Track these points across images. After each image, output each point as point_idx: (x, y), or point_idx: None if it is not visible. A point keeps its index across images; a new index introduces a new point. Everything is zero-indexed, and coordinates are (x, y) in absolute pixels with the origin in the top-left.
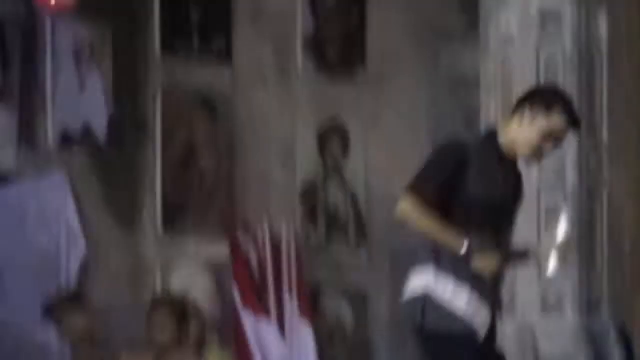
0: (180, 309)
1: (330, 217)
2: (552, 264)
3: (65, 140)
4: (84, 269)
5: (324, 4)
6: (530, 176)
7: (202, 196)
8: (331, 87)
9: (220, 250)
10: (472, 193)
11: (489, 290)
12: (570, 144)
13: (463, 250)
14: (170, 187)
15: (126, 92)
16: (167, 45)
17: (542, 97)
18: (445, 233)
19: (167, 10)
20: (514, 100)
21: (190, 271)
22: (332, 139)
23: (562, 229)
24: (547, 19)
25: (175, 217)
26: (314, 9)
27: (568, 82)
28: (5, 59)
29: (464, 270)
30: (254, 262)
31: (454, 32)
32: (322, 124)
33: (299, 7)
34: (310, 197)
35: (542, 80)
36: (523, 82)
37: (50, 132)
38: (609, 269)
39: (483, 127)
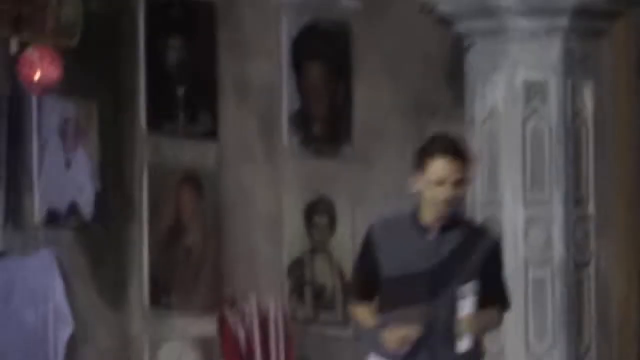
0: None
1: (317, 291)
2: (460, 339)
3: (52, 218)
4: (72, 347)
5: (310, 79)
6: (517, 248)
7: (189, 272)
8: (317, 163)
9: (208, 327)
10: (382, 271)
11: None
12: (557, 217)
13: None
14: (157, 263)
15: (112, 167)
16: (153, 121)
17: (422, 152)
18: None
19: (152, 86)
20: (501, 175)
21: (179, 348)
22: (319, 213)
23: (466, 303)
24: (532, 91)
25: (162, 293)
26: (299, 84)
27: (554, 154)
28: None
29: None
30: (241, 338)
31: (440, 108)
32: (308, 199)
33: (284, 82)
34: (297, 272)
35: (528, 153)
36: (509, 155)
37: (36, 210)
38: (597, 344)
39: (469, 201)
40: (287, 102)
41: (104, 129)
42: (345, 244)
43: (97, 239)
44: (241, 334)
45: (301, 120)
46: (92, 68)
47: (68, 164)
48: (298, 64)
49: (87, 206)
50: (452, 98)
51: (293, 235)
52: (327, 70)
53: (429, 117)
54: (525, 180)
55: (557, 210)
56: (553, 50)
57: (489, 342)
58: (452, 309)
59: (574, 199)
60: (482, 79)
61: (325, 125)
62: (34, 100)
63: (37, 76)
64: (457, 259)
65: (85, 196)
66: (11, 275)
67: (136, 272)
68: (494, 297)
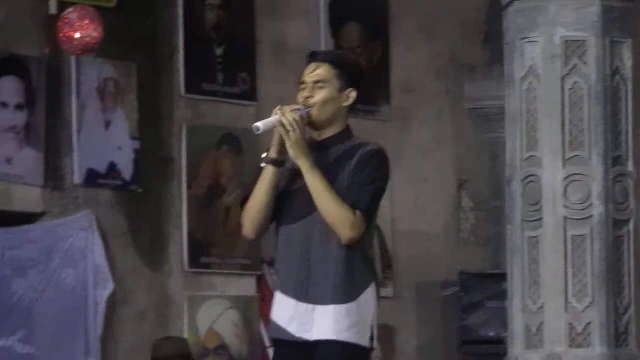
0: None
1: None
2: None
3: (91, 178)
4: (111, 306)
5: (347, 39)
6: (557, 207)
7: (227, 231)
8: (355, 122)
9: (247, 286)
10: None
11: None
12: (596, 175)
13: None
14: (196, 223)
15: (151, 128)
16: (192, 82)
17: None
18: None
19: (191, 47)
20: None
21: (218, 307)
22: None
23: None
24: (571, 49)
25: (201, 253)
26: (337, 44)
27: (593, 112)
28: (31, 99)
29: None
30: None
31: (478, 66)
32: None
33: (321, 43)
34: None
35: (567, 112)
36: (548, 114)
37: (76, 171)
38: (636, 300)
39: (508, 161)
40: None
41: (143, 89)
42: (384, 203)
43: (136, 200)
44: None
45: None
46: (131, 29)
47: (107, 125)
48: (335, 24)
49: (126, 167)
50: (490, 55)
51: None
52: (364, 31)
53: (467, 75)
54: (564, 139)
55: (596, 169)
56: (592, 8)
57: (530, 301)
58: None
59: (613, 157)
60: (521, 37)
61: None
62: (73, 61)
63: (76, 36)
64: (337, 169)
65: (124, 157)
66: (51, 236)
67: (175, 232)
68: (354, 199)
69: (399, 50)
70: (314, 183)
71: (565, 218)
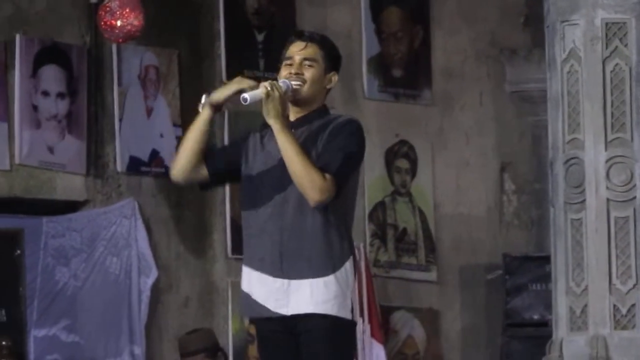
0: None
1: (399, 235)
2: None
3: (134, 166)
4: (155, 293)
5: (388, 23)
6: (599, 189)
7: None
8: (397, 106)
9: None
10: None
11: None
12: (638, 157)
13: None
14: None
15: (193, 115)
16: (233, 68)
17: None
18: None
19: (232, 33)
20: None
21: None
22: (399, 157)
23: None
24: (612, 31)
25: None
26: (378, 28)
27: (635, 94)
28: (73, 87)
29: None
30: None
31: (519, 49)
32: (389, 142)
33: (363, 27)
34: (379, 216)
35: (608, 94)
36: (590, 96)
37: (118, 158)
38: None
39: (551, 143)
40: (366, 47)
41: (184, 76)
42: (427, 187)
43: (178, 187)
44: None
45: (380, 65)
46: (172, 16)
47: (149, 112)
48: (376, 9)
49: (168, 154)
50: (531, 38)
51: (374, 179)
52: (404, 15)
53: (508, 58)
54: (606, 121)
55: (639, 150)
56: None
57: (574, 284)
58: None
59: None
60: (561, 20)
61: (404, 70)
62: (114, 48)
63: (117, 24)
64: (312, 143)
65: (166, 144)
66: (94, 224)
67: (218, 219)
68: (325, 162)
69: (439, 34)
70: (285, 145)
71: (608, 200)
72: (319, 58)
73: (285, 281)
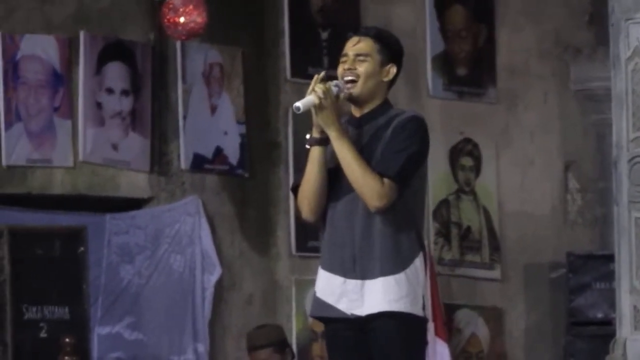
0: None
1: (463, 233)
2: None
3: (198, 163)
4: (219, 291)
5: (452, 21)
6: (622, 188)
7: None
8: (461, 104)
9: None
10: None
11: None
12: None
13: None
14: None
15: (257, 113)
16: (297, 66)
17: None
18: None
19: (296, 31)
20: None
21: None
22: (463, 155)
23: None
24: None
25: (308, 236)
26: (442, 27)
27: None
28: (137, 84)
29: None
30: None
31: (583, 47)
32: (453, 140)
33: (427, 25)
34: (443, 214)
35: None
36: None
37: (182, 156)
38: None
39: (615, 142)
40: (430, 45)
41: (248, 74)
42: (491, 185)
43: (242, 184)
44: None
45: (445, 63)
46: (236, 13)
47: (213, 110)
48: (440, 7)
49: (232, 151)
50: (595, 36)
51: (438, 177)
52: (469, 13)
53: (573, 56)
54: None
55: None
56: None
57: (637, 282)
58: None
59: None
60: (626, 18)
61: (468, 68)
62: (178, 46)
63: (180, 22)
64: (375, 142)
65: (230, 141)
66: (158, 221)
67: (282, 217)
68: (384, 166)
69: (504, 32)
70: (342, 152)
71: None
72: (372, 52)
73: (359, 282)
